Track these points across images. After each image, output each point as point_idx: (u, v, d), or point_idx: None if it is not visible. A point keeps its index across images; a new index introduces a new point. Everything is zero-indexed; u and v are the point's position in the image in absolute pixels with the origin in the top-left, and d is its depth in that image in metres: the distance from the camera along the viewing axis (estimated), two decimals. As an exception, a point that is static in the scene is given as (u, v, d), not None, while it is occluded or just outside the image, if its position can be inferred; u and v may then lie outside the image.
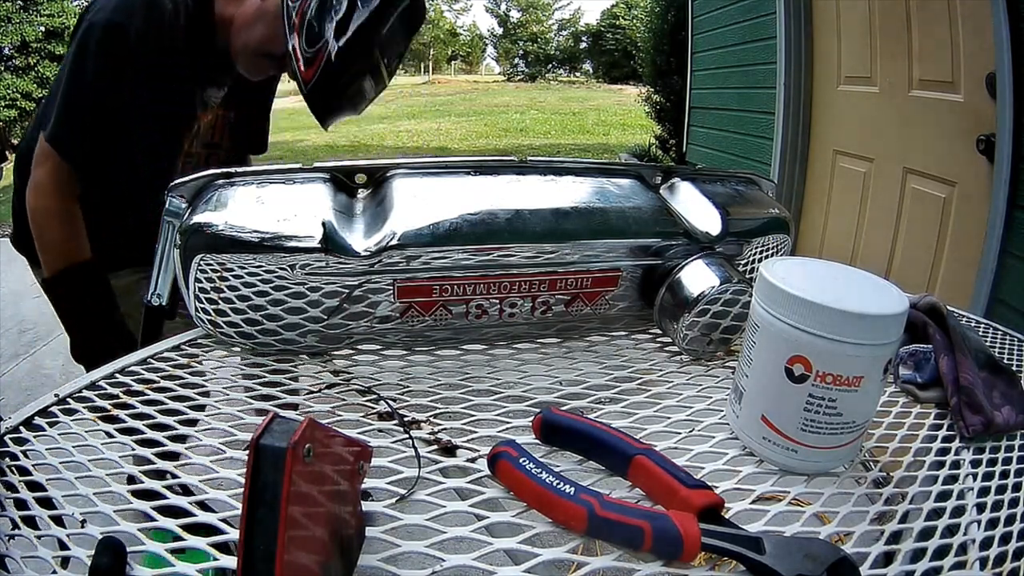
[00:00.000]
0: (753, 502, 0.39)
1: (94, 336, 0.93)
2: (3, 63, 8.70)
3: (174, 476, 0.40)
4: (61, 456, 0.41)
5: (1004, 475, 0.44)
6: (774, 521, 0.38)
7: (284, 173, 0.53)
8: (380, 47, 0.84)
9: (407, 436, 0.44)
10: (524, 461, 0.37)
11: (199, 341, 0.57)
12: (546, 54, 25.16)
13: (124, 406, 0.47)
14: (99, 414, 0.46)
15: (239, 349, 0.55)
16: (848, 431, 0.40)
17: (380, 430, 0.45)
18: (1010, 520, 0.40)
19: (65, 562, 0.33)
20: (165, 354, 0.55)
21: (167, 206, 0.50)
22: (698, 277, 0.54)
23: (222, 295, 0.50)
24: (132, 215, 0.89)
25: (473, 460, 0.42)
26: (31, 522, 0.35)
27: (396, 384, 0.52)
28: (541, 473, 0.36)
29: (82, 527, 0.35)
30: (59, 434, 0.44)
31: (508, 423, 0.47)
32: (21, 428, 0.44)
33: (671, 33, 4.74)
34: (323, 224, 0.49)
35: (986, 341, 0.64)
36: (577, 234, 0.54)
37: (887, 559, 0.36)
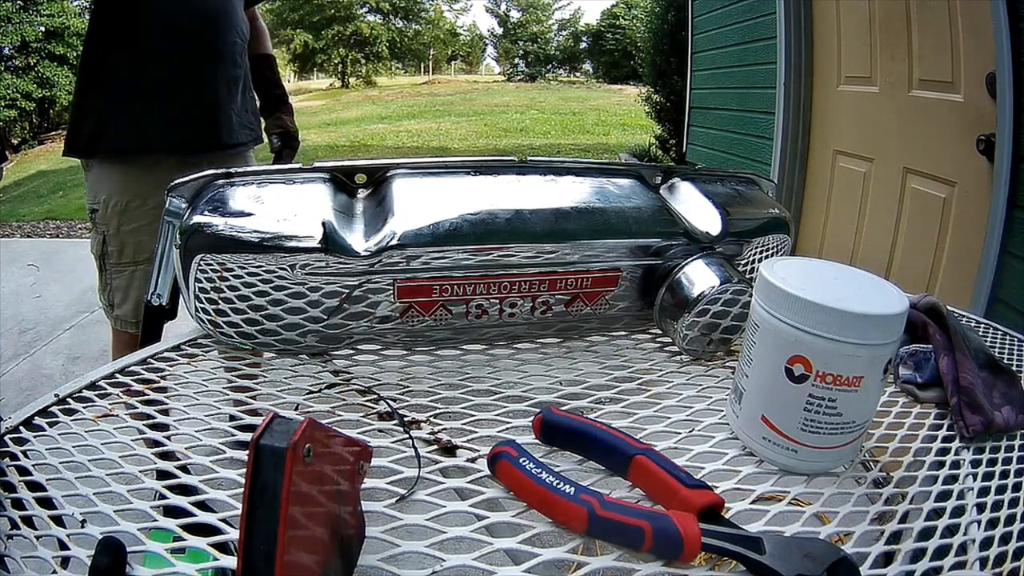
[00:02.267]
0: (753, 502, 0.39)
1: None
2: (3, 63, 8.69)
3: (174, 476, 0.39)
4: (61, 456, 0.41)
5: (1004, 475, 0.44)
6: (774, 521, 0.38)
7: (284, 173, 0.53)
8: None
9: (407, 436, 0.44)
10: (524, 461, 0.37)
11: (199, 341, 0.57)
12: (546, 54, 25.16)
13: (124, 406, 0.47)
14: (99, 414, 0.46)
15: (238, 350, 0.55)
16: (848, 431, 0.40)
17: (380, 430, 0.45)
18: (1010, 520, 0.40)
19: (65, 562, 0.33)
20: (165, 354, 0.55)
21: (167, 206, 0.50)
22: (698, 277, 0.54)
23: (222, 295, 0.50)
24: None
25: (473, 460, 0.42)
26: (31, 522, 0.35)
27: (396, 384, 0.52)
28: (541, 473, 0.36)
29: (82, 527, 0.35)
30: (59, 434, 0.44)
31: (508, 423, 0.47)
32: (21, 428, 0.44)
33: (671, 33, 4.74)
34: (323, 224, 0.49)
35: (986, 341, 0.64)
36: (577, 234, 0.54)
37: (887, 559, 0.36)
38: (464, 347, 0.58)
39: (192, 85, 1.20)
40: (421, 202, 0.52)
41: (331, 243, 0.49)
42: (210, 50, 1.21)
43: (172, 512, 0.37)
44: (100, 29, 1.14)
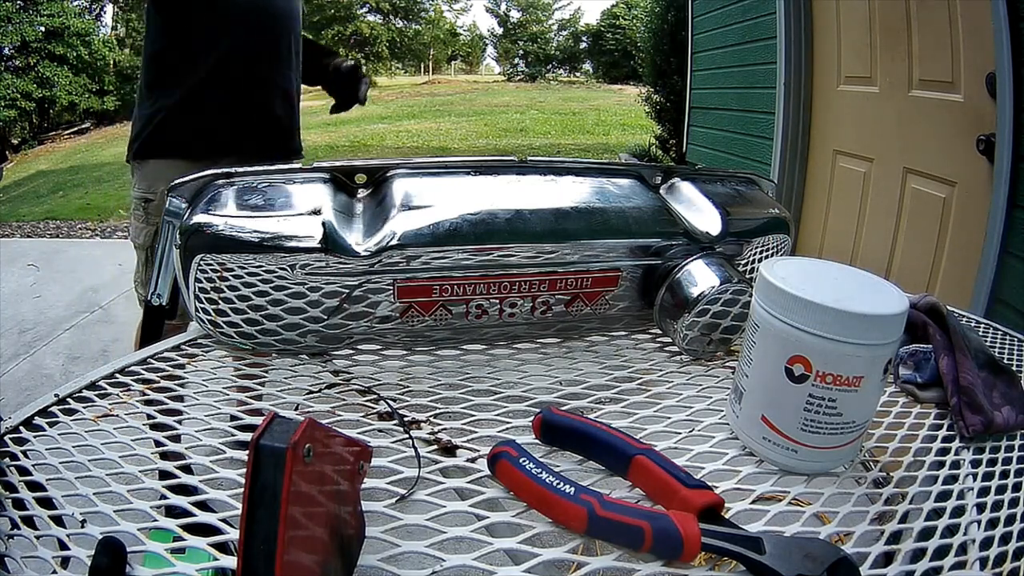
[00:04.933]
0: (753, 502, 0.39)
1: None
2: (3, 63, 8.70)
3: (174, 476, 0.40)
4: (61, 456, 0.41)
5: (1004, 475, 0.44)
6: (774, 521, 0.38)
7: (284, 173, 0.53)
8: None
9: (407, 436, 0.44)
10: (524, 461, 0.37)
11: (199, 341, 0.57)
12: (546, 54, 25.17)
13: (124, 406, 0.47)
14: (99, 414, 0.46)
15: (239, 350, 0.55)
16: (848, 431, 0.40)
17: (380, 430, 0.45)
18: (1010, 520, 0.40)
19: (65, 562, 0.33)
20: (165, 354, 0.55)
21: (167, 206, 0.50)
22: (698, 277, 0.54)
23: (222, 295, 0.50)
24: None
25: (473, 460, 0.42)
26: (31, 522, 0.35)
27: (396, 384, 0.52)
28: (541, 473, 0.36)
29: (82, 527, 0.35)
30: (59, 434, 0.44)
31: (508, 423, 0.47)
32: (21, 428, 0.44)
33: (671, 33, 4.74)
34: (323, 224, 0.49)
35: (986, 341, 0.64)
36: (577, 234, 0.54)
37: (887, 559, 0.36)
38: (464, 347, 0.58)
39: (265, 89, 1.19)
40: (421, 202, 0.52)
41: (331, 243, 0.49)
42: (280, 53, 1.20)
43: (172, 512, 0.37)
44: (172, 31, 1.12)
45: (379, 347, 0.57)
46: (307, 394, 0.49)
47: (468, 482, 0.40)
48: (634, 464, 0.38)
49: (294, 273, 0.49)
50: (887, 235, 1.85)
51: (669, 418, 0.48)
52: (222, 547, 0.33)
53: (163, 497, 0.38)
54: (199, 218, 0.49)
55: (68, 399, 0.47)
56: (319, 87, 1.37)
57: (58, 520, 0.36)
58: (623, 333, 0.63)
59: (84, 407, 0.47)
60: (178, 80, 1.13)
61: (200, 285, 0.50)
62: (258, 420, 0.27)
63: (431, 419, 0.47)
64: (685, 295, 0.54)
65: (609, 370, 0.55)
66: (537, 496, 0.35)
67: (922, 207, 1.70)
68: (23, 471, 0.39)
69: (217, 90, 1.14)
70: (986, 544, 0.37)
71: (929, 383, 0.53)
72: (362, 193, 0.55)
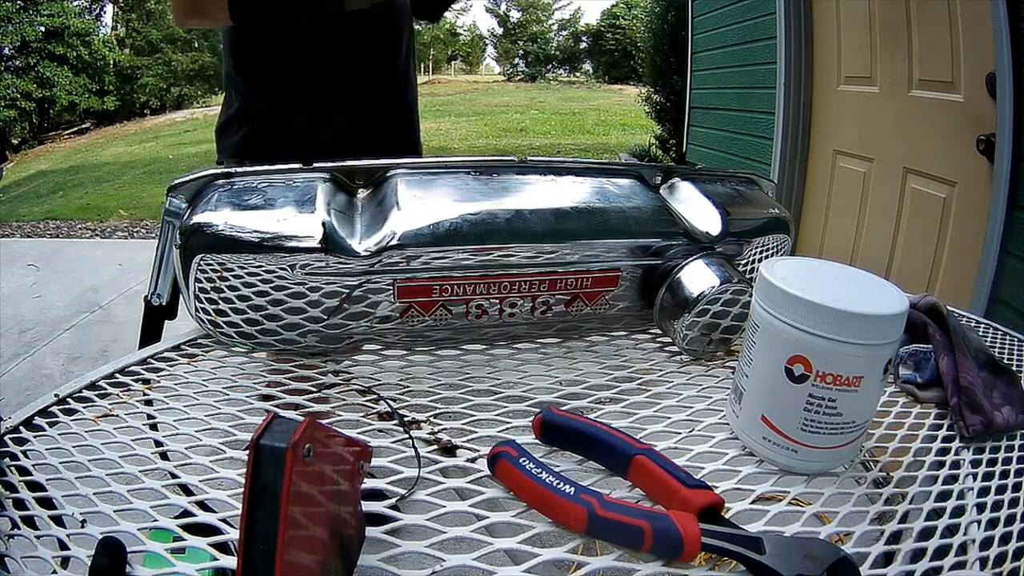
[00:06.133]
0: (753, 502, 0.39)
1: None
2: (3, 63, 8.70)
3: (174, 476, 0.39)
4: (61, 456, 0.41)
5: (1004, 475, 0.44)
6: (774, 521, 0.38)
7: (284, 173, 0.53)
8: None
9: (407, 436, 0.44)
10: (524, 461, 0.37)
11: (199, 341, 0.57)
12: (546, 54, 25.17)
13: (124, 405, 0.47)
14: (99, 414, 0.46)
15: (239, 349, 0.55)
16: (848, 431, 0.40)
17: (380, 430, 0.45)
18: (1010, 520, 0.40)
19: (65, 562, 0.33)
20: (165, 354, 0.55)
21: (167, 206, 0.50)
22: (698, 277, 0.54)
23: (222, 295, 0.50)
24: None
25: (473, 460, 0.42)
26: (31, 522, 0.35)
27: (396, 384, 0.52)
28: (541, 473, 0.36)
29: (82, 527, 0.35)
30: (59, 434, 0.44)
31: (508, 423, 0.47)
32: (21, 428, 0.44)
33: (671, 33, 4.74)
34: (323, 224, 0.49)
35: (986, 341, 0.64)
36: (577, 234, 0.54)
37: (887, 559, 0.36)
38: (464, 347, 0.58)
39: (376, 104, 1.10)
40: (421, 202, 0.52)
41: (331, 243, 0.49)
42: (396, 68, 1.11)
43: (172, 512, 0.37)
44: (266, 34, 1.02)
45: (379, 347, 0.57)
46: (307, 394, 0.49)
47: (468, 482, 0.40)
48: (634, 464, 0.38)
49: (294, 273, 0.49)
50: (887, 235, 1.85)
51: (669, 418, 0.48)
52: (222, 547, 0.33)
53: (163, 497, 0.38)
54: (199, 218, 0.49)
55: (68, 399, 0.47)
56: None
57: (58, 520, 0.36)
58: (623, 333, 0.63)
59: (84, 407, 0.47)
60: (276, 83, 1.03)
61: (200, 285, 0.50)
62: (258, 420, 0.27)
63: (431, 419, 0.47)
64: (685, 295, 0.54)
65: (609, 370, 0.55)
66: (537, 496, 0.35)
67: (922, 207, 1.70)
68: (23, 471, 0.39)
69: (315, 100, 1.04)
70: (986, 544, 0.37)
71: (929, 383, 0.53)
72: (362, 193, 0.55)
